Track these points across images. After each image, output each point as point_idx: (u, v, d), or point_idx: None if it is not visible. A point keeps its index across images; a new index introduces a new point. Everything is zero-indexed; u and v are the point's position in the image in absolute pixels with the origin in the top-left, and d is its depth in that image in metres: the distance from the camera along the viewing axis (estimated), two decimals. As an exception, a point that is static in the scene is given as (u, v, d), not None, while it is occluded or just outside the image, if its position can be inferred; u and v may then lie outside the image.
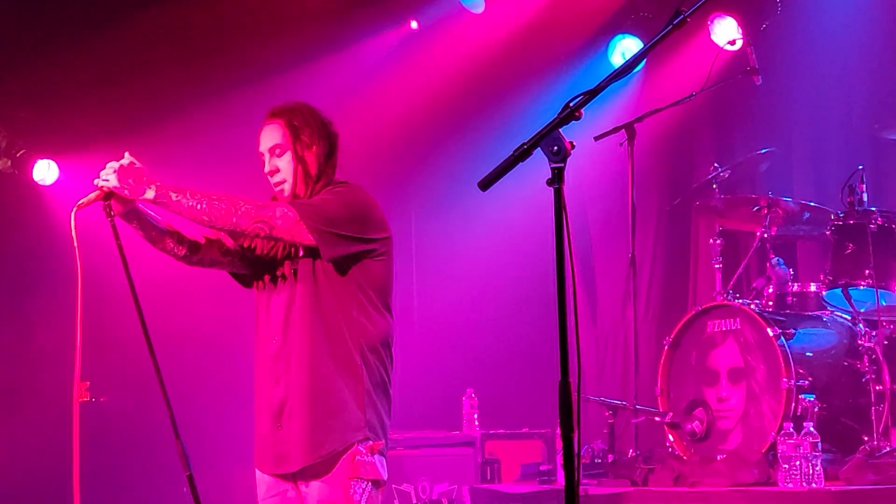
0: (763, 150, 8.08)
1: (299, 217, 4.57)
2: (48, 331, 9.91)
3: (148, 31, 9.42)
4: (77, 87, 9.56)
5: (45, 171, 10.12)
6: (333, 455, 4.63)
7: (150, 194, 4.57)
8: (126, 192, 4.59)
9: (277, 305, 4.74)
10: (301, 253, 4.73)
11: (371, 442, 4.68)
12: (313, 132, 4.82)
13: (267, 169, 4.79)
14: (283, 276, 4.76)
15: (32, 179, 10.11)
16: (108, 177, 4.61)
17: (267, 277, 4.83)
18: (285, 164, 4.77)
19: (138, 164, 4.62)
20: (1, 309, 9.84)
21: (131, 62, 9.57)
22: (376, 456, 4.69)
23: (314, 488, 4.67)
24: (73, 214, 4.65)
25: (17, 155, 10.03)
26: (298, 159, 4.77)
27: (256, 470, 4.80)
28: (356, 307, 4.71)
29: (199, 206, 4.53)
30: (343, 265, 4.69)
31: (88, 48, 9.40)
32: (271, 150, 4.79)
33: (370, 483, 4.67)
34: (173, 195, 4.55)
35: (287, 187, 4.77)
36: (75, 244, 4.66)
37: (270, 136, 4.81)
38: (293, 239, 4.61)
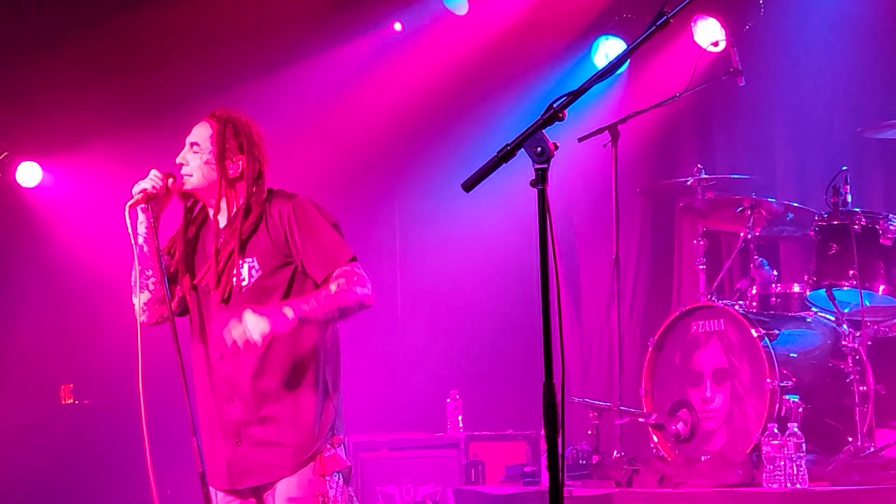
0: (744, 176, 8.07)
1: (351, 268, 4.64)
2: (31, 332, 9.90)
3: (131, 32, 9.40)
4: (60, 89, 9.54)
5: (29, 174, 10.11)
6: (305, 462, 4.65)
7: (288, 311, 4.51)
8: (158, 184, 4.71)
9: (220, 323, 4.63)
10: (243, 270, 4.70)
11: (334, 436, 4.71)
12: (243, 148, 4.80)
13: (178, 159, 4.80)
14: (226, 293, 4.71)
15: (16, 182, 10.09)
16: (153, 178, 4.72)
17: (205, 298, 4.77)
18: (196, 162, 4.77)
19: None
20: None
21: (115, 64, 9.55)
22: (339, 448, 4.72)
23: (282, 489, 4.66)
24: (126, 213, 4.69)
25: (0, 157, 10.01)
26: (214, 163, 4.76)
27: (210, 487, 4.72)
28: None
29: (324, 311, 4.58)
30: (289, 272, 4.70)
31: (72, 49, 9.38)
32: (191, 145, 4.81)
33: (340, 475, 4.70)
34: (305, 306, 4.58)
35: (189, 182, 4.77)
36: (132, 241, 4.72)
37: (198, 132, 4.84)
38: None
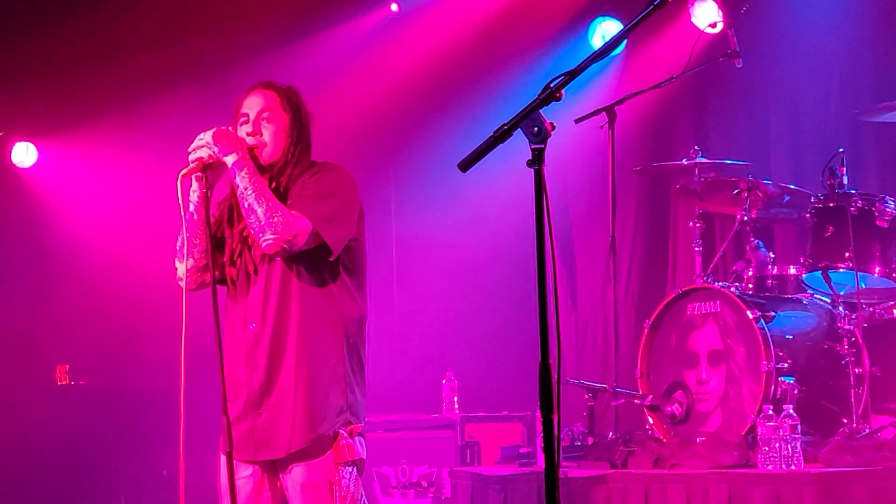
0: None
1: (313, 227, 4.59)
2: (27, 313, 9.90)
3: (127, 11, 9.39)
4: (55, 68, 9.54)
5: (24, 154, 10.12)
6: (319, 439, 4.64)
7: (230, 158, 4.60)
8: (215, 149, 4.62)
9: (255, 292, 4.72)
10: None
11: (352, 425, 4.69)
12: (302, 116, 4.84)
13: (250, 129, 4.75)
14: (258, 263, 4.74)
15: (11, 162, 10.09)
16: (203, 140, 4.65)
17: (241, 266, 4.80)
18: (270, 131, 4.75)
19: (231, 131, 4.70)
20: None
21: (110, 43, 9.54)
22: (356, 438, 4.71)
23: (297, 473, 4.67)
24: (178, 183, 4.62)
25: (-4, 138, 10.01)
26: (288, 131, 4.76)
27: (222, 456, 4.69)
28: (336, 289, 4.71)
29: (252, 196, 4.57)
30: (324, 249, 4.69)
31: (66, 29, 9.37)
32: (260, 112, 4.77)
33: (355, 466, 4.69)
34: (243, 172, 4.59)
35: (264, 153, 4.75)
36: (182, 211, 4.66)
37: (263, 100, 4.80)
38: (308, 248, 4.62)
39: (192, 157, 4.64)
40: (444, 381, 8.63)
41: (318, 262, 4.68)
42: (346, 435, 4.67)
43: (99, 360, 10.18)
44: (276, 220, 4.55)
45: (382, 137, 10.15)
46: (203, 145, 4.63)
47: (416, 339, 9.89)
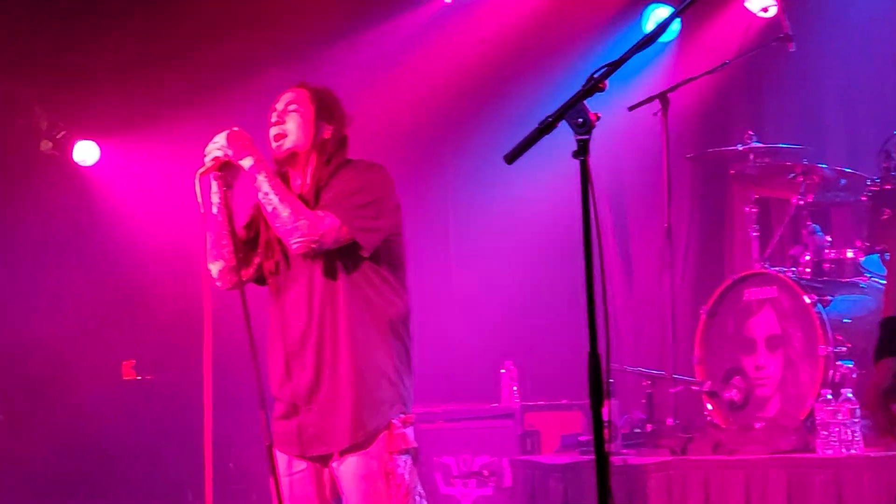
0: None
1: (342, 223, 4.63)
2: (91, 309, 10.01)
3: (186, 11, 9.47)
4: (117, 67, 9.64)
5: (86, 152, 10.22)
6: (373, 432, 4.68)
7: (247, 162, 4.65)
8: (229, 152, 4.67)
9: (297, 290, 4.76)
10: None
11: (404, 416, 4.74)
12: (334, 112, 4.89)
13: (273, 120, 4.84)
14: (300, 261, 4.77)
15: (73, 160, 10.20)
16: (217, 142, 4.71)
17: (283, 263, 4.84)
18: (295, 121, 4.83)
19: (244, 132, 4.75)
20: (43, 288, 9.94)
21: (170, 42, 9.63)
22: (408, 428, 4.75)
23: (352, 464, 4.70)
24: (196, 181, 4.71)
25: (58, 136, 10.14)
26: (311, 123, 4.83)
27: (275, 451, 4.74)
28: (379, 284, 4.75)
29: (273, 196, 4.62)
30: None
31: (128, 28, 9.47)
32: (286, 105, 4.86)
33: (409, 455, 4.73)
34: (262, 175, 4.64)
35: (287, 142, 4.81)
36: (202, 210, 4.74)
37: (292, 95, 4.89)
38: (338, 243, 4.65)
39: (207, 158, 4.70)
40: (502, 371, 8.64)
41: (358, 258, 4.71)
42: (398, 424, 4.71)
43: (163, 356, 10.29)
44: (301, 222, 4.60)
45: (438, 129, 10.18)
46: (217, 147, 4.69)
47: (474, 329, 9.91)
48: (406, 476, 4.69)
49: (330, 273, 4.71)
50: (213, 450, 9.82)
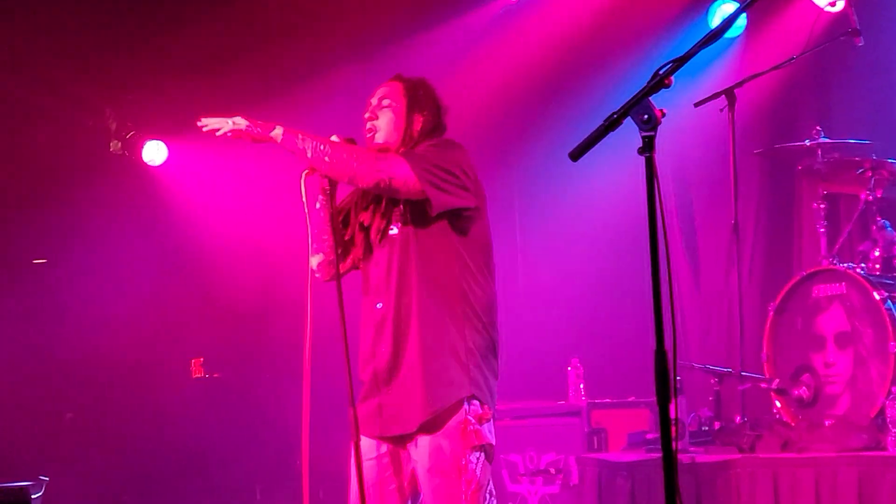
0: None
1: (410, 168, 4.68)
2: (160, 308, 10.09)
3: (255, 8, 9.53)
4: (185, 67, 9.69)
5: (155, 152, 10.30)
6: (443, 412, 4.71)
7: (277, 132, 4.72)
8: (256, 129, 4.75)
9: (377, 273, 4.87)
10: (399, 216, 4.84)
11: (478, 403, 4.74)
12: (427, 106, 4.97)
13: (367, 114, 4.95)
14: (379, 245, 4.88)
15: (142, 161, 10.28)
16: (240, 125, 4.79)
17: (365, 250, 4.95)
18: (386, 116, 4.93)
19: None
20: (112, 288, 10.03)
21: (239, 40, 9.68)
22: (485, 424, 4.75)
23: (425, 456, 4.74)
24: (302, 180, 4.80)
25: (127, 137, 10.22)
26: (403, 117, 4.92)
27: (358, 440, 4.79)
28: (456, 267, 4.79)
29: (322, 148, 4.70)
30: (442, 226, 4.78)
31: (196, 27, 9.53)
32: (380, 101, 4.96)
33: (483, 452, 4.74)
34: (299, 136, 4.72)
35: (378, 137, 4.92)
36: (305, 209, 4.83)
37: (386, 89, 4.99)
38: (407, 193, 4.72)
39: (221, 131, 4.80)
40: (569, 369, 8.64)
41: (434, 239, 4.78)
42: (473, 420, 4.72)
43: (231, 354, 10.37)
44: (365, 157, 4.71)
45: (504, 124, 10.18)
46: (243, 124, 4.76)
47: (541, 326, 9.90)
48: (478, 472, 4.72)
49: (406, 254, 4.80)
50: (282, 447, 9.89)
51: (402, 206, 4.84)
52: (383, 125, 4.92)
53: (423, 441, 4.75)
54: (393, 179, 4.67)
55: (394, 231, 4.85)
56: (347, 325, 4.77)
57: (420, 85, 5.01)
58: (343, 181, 4.79)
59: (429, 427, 4.73)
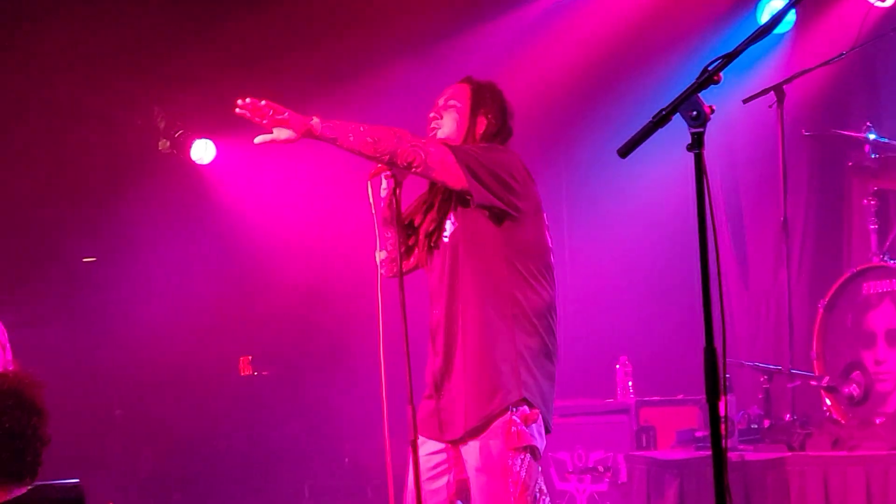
0: None
1: (453, 155, 4.70)
2: (209, 307, 10.15)
3: (304, 5, 9.56)
4: (234, 65, 9.73)
5: (203, 151, 10.35)
6: (490, 417, 4.73)
7: (315, 120, 4.73)
8: (292, 134, 4.81)
9: (433, 278, 4.94)
10: (450, 223, 4.85)
11: (526, 408, 4.73)
12: (492, 109, 4.99)
13: (432, 114, 4.99)
14: (436, 249, 4.92)
15: (190, 159, 10.33)
16: (278, 135, 4.87)
17: (426, 253, 5.00)
18: (451, 116, 4.97)
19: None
20: (161, 285, 10.09)
21: (288, 38, 9.72)
22: (532, 425, 4.75)
23: (474, 457, 4.76)
24: (368, 184, 4.89)
25: (176, 135, 10.27)
26: (466, 118, 4.95)
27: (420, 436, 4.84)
28: (506, 273, 4.79)
29: (362, 128, 4.71)
30: (490, 232, 4.77)
31: (245, 25, 9.57)
32: (446, 101, 5.00)
33: (529, 453, 4.74)
34: (335, 122, 4.74)
35: (439, 135, 4.95)
36: (373, 210, 4.91)
37: (452, 91, 5.03)
38: (444, 175, 4.73)
39: (261, 140, 4.95)
40: (617, 366, 8.62)
41: (481, 245, 4.80)
42: (518, 421, 4.72)
43: (280, 351, 10.41)
44: (404, 133, 4.72)
45: (552, 122, 10.16)
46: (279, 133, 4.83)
47: (589, 324, 9.88)
48: (523, 474, 4.71)
49: (456, 259, 4.83)
50: (330, 445, 9.91)
51: (452, 213, 4.88)
52: (446, 125, 4.96)
53: (473, 442, 4.77)
54: (429, 157, 4.67)
55: (446, 238, 4.90)
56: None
57: (487, 88, 5.04)
58: (384, 161, 4.75)
59: (477, 430, 4.75)
